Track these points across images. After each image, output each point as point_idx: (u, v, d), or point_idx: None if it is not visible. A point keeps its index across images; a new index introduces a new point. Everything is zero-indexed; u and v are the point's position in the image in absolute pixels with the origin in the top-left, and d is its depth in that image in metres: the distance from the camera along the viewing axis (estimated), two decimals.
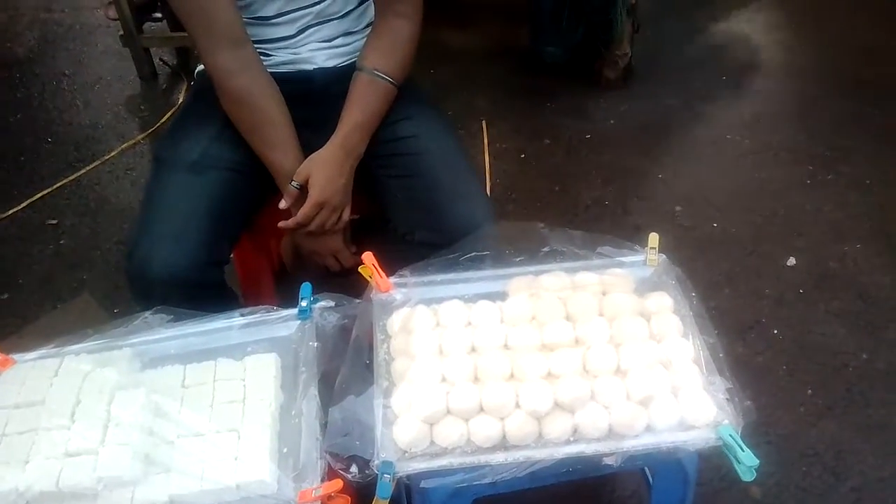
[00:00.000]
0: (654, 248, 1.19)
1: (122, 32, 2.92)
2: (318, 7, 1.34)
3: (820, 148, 2.49)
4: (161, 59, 3.10)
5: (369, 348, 1.08)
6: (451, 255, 1.17)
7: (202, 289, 1.24)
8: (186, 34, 1.34)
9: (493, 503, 1.08)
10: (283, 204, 1.32)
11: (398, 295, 1.15)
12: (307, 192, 1.29)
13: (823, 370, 1.73)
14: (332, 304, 1.13)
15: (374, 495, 0.91)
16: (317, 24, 1.37)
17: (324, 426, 0.98)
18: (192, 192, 1.27)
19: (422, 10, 1.35)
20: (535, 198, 2.33)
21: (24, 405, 1.00)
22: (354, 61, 1.36)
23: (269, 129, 1.30)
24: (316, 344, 1.08)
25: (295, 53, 1.38)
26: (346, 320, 1.11)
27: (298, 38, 1.37)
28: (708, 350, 1.06)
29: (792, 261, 2.04)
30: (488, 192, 2.27)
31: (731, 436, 0.96)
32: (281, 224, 1.33)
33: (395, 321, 1.11)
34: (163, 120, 2.75)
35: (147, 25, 3.04)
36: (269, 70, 1.32)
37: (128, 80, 3.04)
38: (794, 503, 1.47)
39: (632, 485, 1.48)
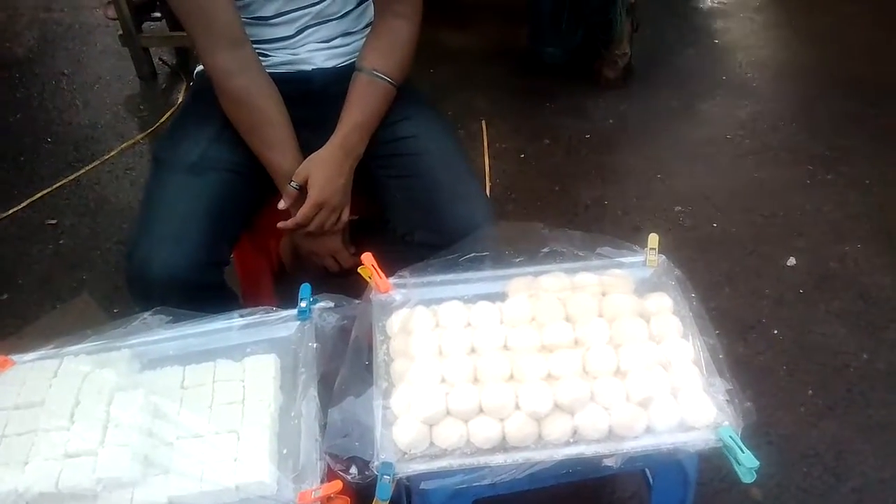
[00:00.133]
0: (654, 249, 1.19)
1: (121, 32, 2.92)
2: (316, 7, 1.34)
3: (820, 148, 2.49)
4: (160, 59, 3.10)
5: (369, 349, 1.08)
6: (451, 256, 1.17)
7: (202, 290, 1.24)
8: (185, 34, 1.33)
9: None
10: (282, 204, 1.32)
11: (397, 296, 1.15)
12: (306, 193, 1.29)
13: (824, 370, 1.73)
14: (331, 304, 1.13)
15: (373, 496, 0.91)
16: (316, 25, 1.37)
17: (323, 427, 0.98)
18: (191, 193, 1.27)
19: (421, 11, 1.35)
20: (535, 198, 2.33)
21: (24, 406, 1.00)
22: (353, 62, 1.36)
23: (268, 129, 1.30)
24: (315, 345, 1.08)
25: (294, 54, 1.38)
26: (345, 321, 1.11)
27: (297, 38, 1.37)
28: (708, 351, 1.06)
29: (792, 261, 2.04)
30: (488, 193, 2.27)
31: (731, 437, 0.95)
32: (280, 224, 1.33)
33: (395, 322, 1.11)
34: (162, 120, 2.74)
35: (146, 25, 3.04)
36: (267, 70, 1.32)
37: (127, 79, 3.04)
38: None
39: (632, 486, 1.48)
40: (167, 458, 0.94)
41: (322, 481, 0.93)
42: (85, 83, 3.02)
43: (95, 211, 2.32)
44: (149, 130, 2.69)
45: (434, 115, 1.46)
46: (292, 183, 1.30)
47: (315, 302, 1.13)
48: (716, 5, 3.44)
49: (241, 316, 1.13)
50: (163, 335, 1.12)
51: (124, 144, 2.62)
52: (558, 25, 2.83)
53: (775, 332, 1.83)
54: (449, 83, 2.89)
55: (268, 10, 1.33)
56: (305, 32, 1.37)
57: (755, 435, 1.35)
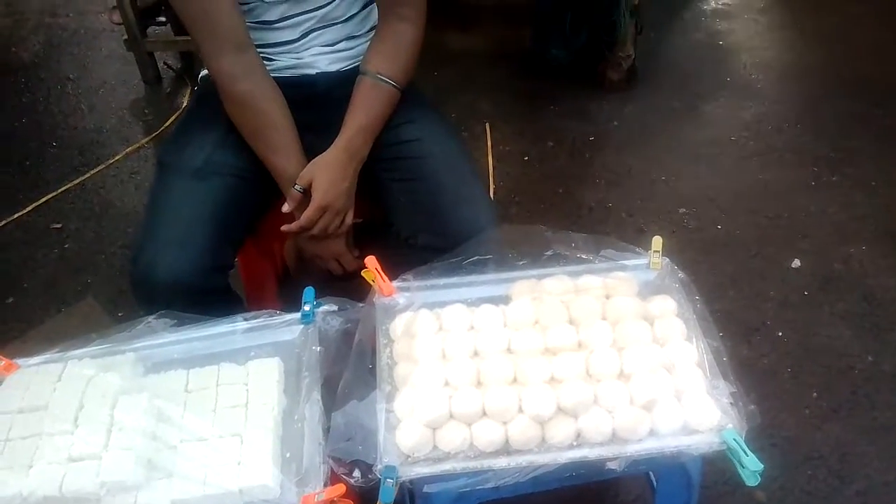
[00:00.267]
0: (658, 252, 1.19)
1: (126, 37, 2.93)
2: (321, 11, 1.34)
3: (825, 149, 2.48)
4: (165, 63, 3.11)
5: (372, 352, 1.08)
6: (454, 259, 1.17)
7: (206, 294, 1.24)
8: (190, 38, 1.34)
9: None
10: (286, 208, 1.32)
11: (401, 299, 1.15)
12: (310, 196, 1.29)
13: (828, 373, 1.73)
14: (335, 308, 1.13)
15: (377, 500, 0.91)
16: (320, 29, 1.37)
17: (326, 431, 0.98)
18: (196, 198, 1.27)
19: (425, 14, 1.35)
20: (539, 200, 2.33)
21: (28, 410, 1.00)
22: (357, 65, 1.36)
23: (273, 133, 1.30)
24: (319, 348, 1.08)
25: (298, 58, 1.39)
26: (348, 324, 1.11)
27: (301, 42, 1.37)
28: (712, 353, 1.06)
29: (797, 263, 2.03)
30: (491, 195, 2.27)
31: (734, 440, 0.95)
32: (284, 228, 1.33)
33: (398, 325, 1.11)
34: (167, 124, 2.75)
35: (151, 30, 3.05)
36: (272, 74, 1.32)
37: (132, 84, 3.05)
38: None
39: (636, 489, 1.47)
40: (171, 462, 0.94)
41: (325, 485, 0.93)
42: (90, 87, 3.04)
43: (100, 215, 2.33)
44: (153, 134, 2.70)
45: (438, 118, 1.46)
46: (296, 186, 1.30)
47: (319, 305, 1.13)
48: (720, 7, 3.43)
49: (245, 319, 1.13)
50: (167, 339, 1.12)
51: (129, 149, 2.63)
52: (562, 28, 2.84)
53: (780, 334, 1.83)
54: (452, 86, 2.90)
55: (272, 15, 1.33)
56: (310, 36, 1.38)
57: (759, 437, 1.34)
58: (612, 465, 0.98)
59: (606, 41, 2.80)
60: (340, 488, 0.91)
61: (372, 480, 0.93)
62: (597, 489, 1.48)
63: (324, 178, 1.29)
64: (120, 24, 2.93)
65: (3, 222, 2.29)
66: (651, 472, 1.25)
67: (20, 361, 1.10)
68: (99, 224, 2.29)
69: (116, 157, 2.58)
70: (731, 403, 1.00)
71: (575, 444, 0.98)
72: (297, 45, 1.38)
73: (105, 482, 0.91)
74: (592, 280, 1.16)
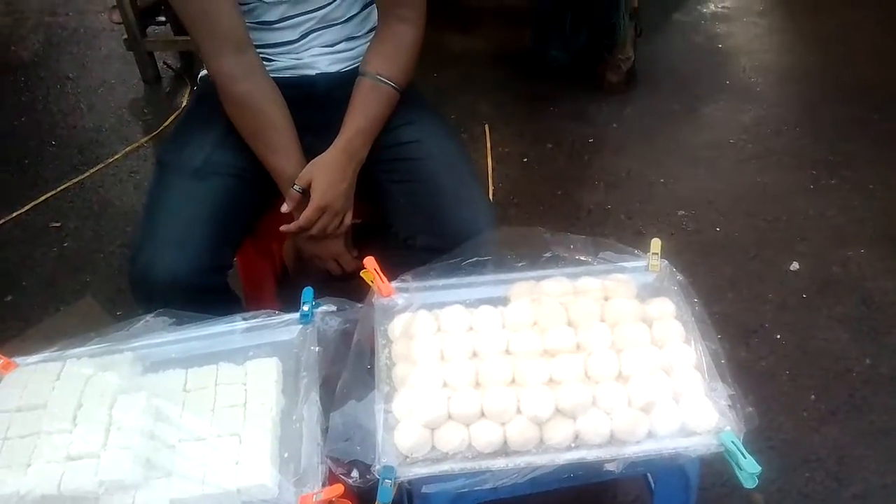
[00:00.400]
0: (657, 254, 1.19)
1: (125, 36, 2.93)
2: (321, 12, 1.35)
3: (823, 152, 2.48)
4: (165, 63, 3.11)
5: (371, 353, 1.08)
6: (453, 260, 1.17)
7: (205, 293, 1.24)
8: (190, 38, 1.34)
9: None
10: (285, 208, 1.32)
11: (400, 300, 1.15)
12: (309, 197, 1.29)
13: (826, 375, 1.73)
14: (333, 308, 1.13)
15: (375, 500, 0.91)
16: (320, 29, 1.37)
17: (325, 431, 0.98)
18: (195, 198, 1.27)
19: (425, 15, 1.36)
20: (538, 202, 2.33)
21: (27, 409, 1.00)
22: (357, 66, 1.36)
23: (272, 133, 1.30)
24: (317, 348, 1.08)
25: (297, 58, 1.39)
26: (347, 325, 1.11)
27: (301, 42, 1.37)
28: (710, 356, 1.06)
29: (795, 266, 2.04)
30: (490, 197, 2.27)
31: (732, 442, 0.95)
32: (283, 228, 1.33)
33: (397, 326, 1.11)
34: (166, 124, 2.75)
35: (151, 29, 3.05)
36: (271, 75, 1.32)
37: (131, 83, 3.05)
38: None
39: (633, 490, 1.47)
40: (169, 461, 0.94)
41: (323, 485, 0.93)
42: (89, 87, 3.04)
43: (99, 214, 2.33)
44: (153, 134, 2.70)
45: (437, 120, 1.46)
46: (295, 186, 1.30)
47: (317, 305, 1.13)
48: (719, 10, 3.44)
49: (244, 319, 1.14)
50: (165, 338, 1.12)
51: (128, 148, 2.63)
52: (562, 30, 2.84)
53: (778, 336, 1.83)
54: (452, 87, 2.90)
55: (272, 15, 1.33)
56: (309, 37, 1.38)
57: (757, 440, 1.35)
58: (610, 467, 0.98)
59: (606, 43, 2.80)
60: (338, 488, 0.91)
61: (370, 481, 0.93)
62: (595, 490, 1.48)
63: (323, 179, 1.29)
64: (119, 23, 2.93)
65: (2, 221, 2.29)
66: (649, 474, 1.25)
67: (19, 360, 1.10)
68: (98, 223, 2.29)
69: (115, 157, 2.58)
70: (729, 406, 1.00)
71: (573, 445, 0.98)
72: (296, 45, 1.38)
73: (103, 481, 0.91)
74: (591, 282, 1.16)
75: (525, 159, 2.53)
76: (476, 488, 0.96)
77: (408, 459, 0.96)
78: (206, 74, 1.43)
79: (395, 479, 0.93)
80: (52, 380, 1.03)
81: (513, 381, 1.03)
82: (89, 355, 1.09)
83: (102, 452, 0.93)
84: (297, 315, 1.13)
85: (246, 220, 1.38)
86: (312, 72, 1.40)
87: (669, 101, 2.80)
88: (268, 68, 1.33)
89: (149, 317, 1.12)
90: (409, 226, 1.35)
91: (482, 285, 1.18)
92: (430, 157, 1.36)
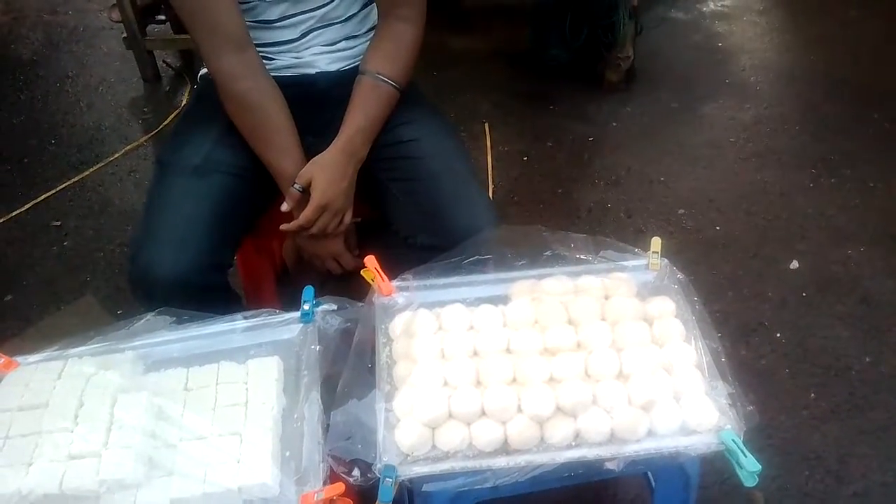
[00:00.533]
0: (657, 253, 1.19)
1: (125, 35, 2.93)
2: (321, 11, 1.35)
3: (823, 151, 2.49)
4: (164, 62, 3.11)
5: (371, 352, 1.08)
6: (454, 259, 1.17)
7: (205, 292, 1.24)
8: (190, 37, 1.34)
9: None
10: (285, 207, 1.32)
11: (400, 298, 1.15)
12: (309, 195, 1.29)
13: (826, 374, 1.73)
14: (334, 307, 1.13)
15: (376, 499, 0.91)
16: (320, 28, 1.37)
17: (326, 430, 0.98)
18: (195, 197, 1.27)
19: (425, 14, 1.36)
20: (537, 200, 2.33)
21: (28, 408, 1.00)
22: (357, 65, 1.36)
23: (272, 132, 1.30)
24: (318, 347, 1.08)
25: (298, 57, 1.39)
26: (348, 324, 1.11)
27: (301, 41, 1.37)
28: (710, 354, 1.06)
29: (795, 264, 2.04)
30: (490, 195, 2.27)
31: (733, 440, 0.95)
32: (283, 227, 1.33)
33: (398, 325, 1.11)
34: (166, 122, 2.75)
35: (150, 28, 3.05)
36: (272, 74, 1.32)
37: (131, 82, 3.05)
38: None
39: (634, 489, 1.48)
40: (170, 460, 0.94)
41: (324, 483, 0.93)
42: (89, 86, 3.04)
43: (99, 213, 2.33)
44: (152, 133, 2.70)
45: (437, 118, 1.46)
46: (295, 185, 1.30)
47: (318, 304, 1.13)
48: (719, 8, 3.44)
49: (245, 318, 1.14)
50: (166, 337, 1.12)
51: (128, 147, 2.63)
52: (561, 28, 2.84)
53: (778, 335, 1.83)
54: (452, 86, 2.90)
55: (272, 14, 1.33)
56: (309, 36, 1.38)
57: (757, 438, 1.35)
58: (610, 465, 0.98)
59: (606, 42, 2.80)
60: (339, 487, 0.91)
61: (371, 479, 0.93)
62: (595, 489, 1.49)
63: (323, 178, 1.29)
64: (119, 21, 2.93)
65: (2, 220, 2.29)
66: (649, 473, 1.25)
67: (20, 359, 1.10)
68: (98, 222, 2.29)
69: (115, 155, 2.58)
70: (729, 404, 1.00)
71: (573, 444, 0.98)
72: (296, 44, 1.38)
73: (105, 480, 0.91)
74: (591, 281, 1.16)
75: (525, 158, 2.53)
76: (477, 487, 0.96)
77: (409, 458, 0.97)
78: (206, 73, 1.43)
79: (396, 477, 0.93)
80: (54, 379, 1.03)
81: (513, 379, 1.03)
82: (90, 354, 1.09)
83: (104, 451, 0.93)
84: (297, 314, 1.13)
85: (246, 218, 1.38)
86: (312, 70, 1.40)
87: (669, 100, 2.80)
88: (268, 67, 1.33)
89: (150, 315, 1.12)
90: (409, 224, 1.35)
91: (483, 284, 1.18)
92: (431, 156, 1.36)
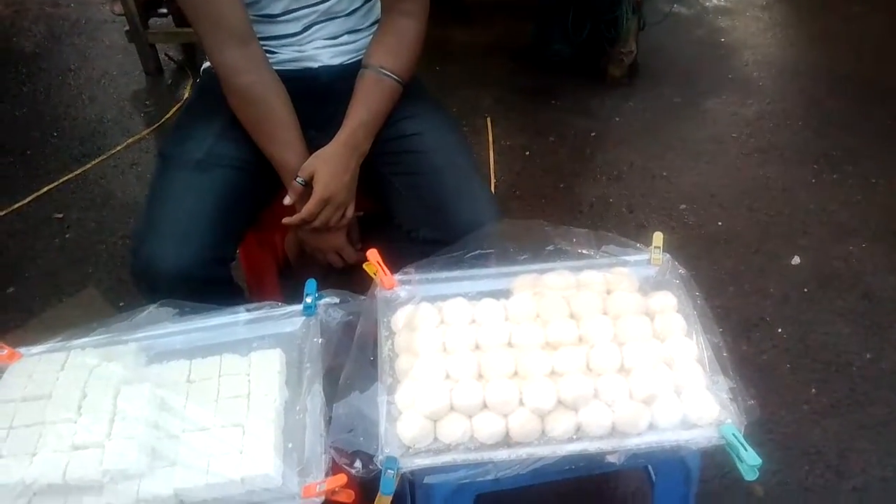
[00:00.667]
0: (659, 248, 1.19)
1: (127, 28, 2.93)
2: (324, 5, 1.34)
3: (825, 147, 2.49)
4: (167, 55, 3.11)
5: (373, 345, 1.08)
6: (456, 253, 1.17)
7: (208, 285, 1.24)
8: (192, 31, 1.34)
9: (496, 499, 1.09)
10: (287, 200, 1.32)
11: (402, 292, 1.15)
12: (312, 189, 1.29)
13: (827, 369, 1.73)
14: (336, 300, 1.13)
15: (377, 490, 0.91)
16: (322, 22, 1.37)
17: (328, 422, 0.99)
18: (197, 190, 1.27)
19: (428, 9, 1.35)
20: (540, 195, 2.33)
21: (31, 398, 1.01)
22: (360, 59, 1.36)
23: (275, 126, 1.30)
24: (320, 340, 1.09)
25: (300, 51, 1.39)
26: (350, 317, 1.11)
27: (304, 35, 1.37)
28: (711, 349, 1.06)
29: (797, 260, 2.04)
30: (493, 190, 2.27)
31: (733, 435, 0.96)
32: (285, 220, 1.33)
33: (400, 318, 1.12)
34: (168, 115, 2.76)
35: (153, 21, 3.05)
36: (274, 67, 1.32)
37: (133, 75, 3.05)
38: (797, 502, 1.48)
39: (635, 482, 1.48)
40: (173, 451, 0.95)
41: (327, 475, 0.93)
42: (91, 78, 3.04)
43: (101, 205, 2.33)
44: (154, 126, 2.71)
45: (439, 113, 1.46)
46: (298, 179, 1.30)
47: (320, 297, 1.13)
48: (722, 3, 3.44)
49: (247, 311, 1.14)
50: (169, 329, 1.12)
51: (130, 140, 2.63)
52: (564, 23, 2.84)
53: (779, 330, 1.83)
54: (454, 80, 2.90)
55: (275, 8, 1.33)
56: (312, 29, 1.38)
57: (758, 433, 1.36)
58: (611, 459, 0.98)
59: (608, 37, 2.80)
60: (341, 478, 0.92)
61: (373, 471, 0.93)
62: (596, 482, 1.49)
63: (325, 171, 1.29)
64: (121, 14, 2.93)
65: (4, 212, 2.29)
66: (650, 466, 1.25)
67: (23, 350, 1.10)
68: (100, 214, 2.29)
69: (117, 148, 2.59)
70: (730, 399, 1.00)
71: (575, 437, 0.98)
72: (299, 38, 1.38)
73: (108, 470, 0.91)
74: (593, 275, 1.16)
75: (527, 152, 2.53)
76: (478, 479, 0.96)
77: (410, 450, 0.97)
78: (208, 66, 1.43)
79: (398, 469, 0.93)
80: (57, 370, 1.04)
81: (515, 373, 1.03)
82: (93, 346, 1.09)
83: (107, 442, 0.94)
84: (300, 307, 1.13)
85: (248, 212, 1.38)
86: (315, 64, 1.40)
87: (672, 95, 2.80)
88: (271, 61, 1.33)
89: (152, 307, 1.12)
90: (411, 218, 1.35)
91: (485, 278, 1.18)
92: (433, 151, 1.36)
